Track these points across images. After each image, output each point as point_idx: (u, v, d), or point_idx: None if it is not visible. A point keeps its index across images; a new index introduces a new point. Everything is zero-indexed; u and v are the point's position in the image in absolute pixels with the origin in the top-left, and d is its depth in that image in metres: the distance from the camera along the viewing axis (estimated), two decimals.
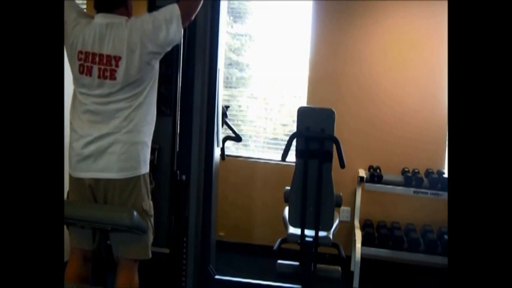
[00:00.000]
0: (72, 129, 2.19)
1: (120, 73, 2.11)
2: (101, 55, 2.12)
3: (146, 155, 2.23)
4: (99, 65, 2.12)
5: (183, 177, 2.84)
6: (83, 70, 2.14)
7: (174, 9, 2.16)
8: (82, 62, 2.14)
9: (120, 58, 2.11)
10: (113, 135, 2.13)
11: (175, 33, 2.16)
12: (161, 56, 2.22)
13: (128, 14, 2.25)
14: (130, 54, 2.11)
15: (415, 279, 3.74)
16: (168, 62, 2.26)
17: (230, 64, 4.37)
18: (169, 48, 2.23)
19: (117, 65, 2.11)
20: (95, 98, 2.14)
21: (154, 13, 2.18)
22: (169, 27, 2.14)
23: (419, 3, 3.80)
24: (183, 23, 2.17)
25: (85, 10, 4.22)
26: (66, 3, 2.03)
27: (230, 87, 4.39)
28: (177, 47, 2.84)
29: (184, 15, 2.17)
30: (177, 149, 2.86)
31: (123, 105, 2.14)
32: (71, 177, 2.21)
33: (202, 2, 2.26)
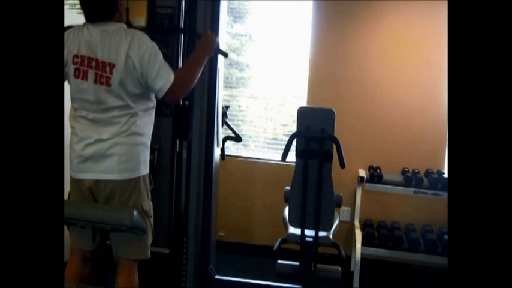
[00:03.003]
0: (72, 132, 2.19)
1: (114, 81, 2.10)
2: (96, 60, 2.11)
3: (146, 156, 2.24)
4: (95, 70, 2.11)
5: (186, 102, 2.83)
6: (78, 74, 2.13)
7: (169, 77, 2.15)
8: (78, 65, 2.13)
9: (114, 65, 2.10)
10: (112, 139, 2.13)
11: (156, 90, 2.15)
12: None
13: (121, 15, 2.23)
14: (124, 65, 2.10)
15: (415, 279, 3.75)
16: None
17: (230, 64, 4.37)
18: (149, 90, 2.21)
19: (111, 72, 2.10)
20: (93, 105, 2.13)
21: (158, 56, 2.15)
22: (156, 83, 2.13)
23: (419, 3, 3.80)
24: (167, 96, 2.16)
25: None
26: None
27: (230, 87, 4.39)
28: (177, 47, 2.85)
29: (174, 91, 2.16)
30: (177, 149, 2.86)
31: (121, 113, 2.14)
32: (71, 178, 2.21)
33: (195, 82, 2.27)
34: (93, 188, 2.16)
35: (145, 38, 2.16)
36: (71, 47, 2.14)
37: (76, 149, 2.16)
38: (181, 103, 2.81)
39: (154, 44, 2.18)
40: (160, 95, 2.17)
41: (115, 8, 2.17)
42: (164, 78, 2.13)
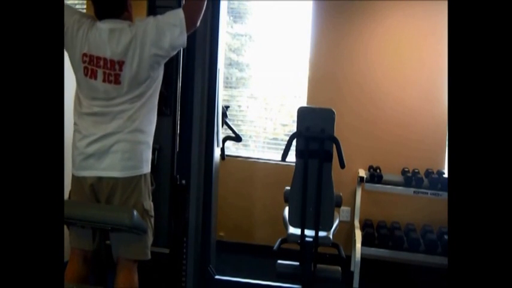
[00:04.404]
0: (76, 129, 2.20)
1: (124, 77, 2.12)
2: (105, 59, 2.12)
3: (148, 155, 2.25)
4: (103, 69, 2.13)
5: (183, 181, 2.84)
6: (87, 73, 2.15)
7: (178, 14, 2.16)
8: (86, 64, 2.15)
9: (123, 62, 2.11)
10: (116, 135, 2.14)
11: (179, 37, 2.16)
12: (166, 59, 2.22)
13: (130, 15, 2.25)
14: (134, 58, 2.11)
15: (415, 279, 3.75)
16: (168, 62, 2.28)
17: (230, 64, 4.37)
18: (174, 52, 2.24)
19: (120, 69, 2.12)
20: (100, 101, 2.15)
21: (159, 17, 2.17)
22: (173, 31, 2.14)
23: (419, 3, 3.80)
24: (187, 28, 2.17)
25: (85, 11, 4.23)
26: (65, 9, 2.04)
27: (230, 87, 4.39)
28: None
29: (189, 20, 2.17)
30: (177, 149, 2.86)
31: (127, 107, 2.15)
32: (73, 176, 2.22)
33: (205, 6, 2.25)
34: (96, 186, 2.17)
35: (142, 22, 2.18)
36: (81, 43, 2.15)
37: (79, 146, 2.17)
38: (178, 182, 2.83)
39: (149, 17, 2.20)
40: (185, 38, 2.17)
41: (125, 6, 2.21)
42: (176, 26, 2.13)
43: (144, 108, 2.19)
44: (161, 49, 2.15)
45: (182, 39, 2.17)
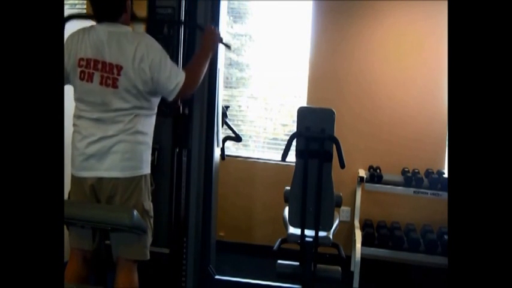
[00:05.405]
0: (76, 130, 2.20)
1: (121, 82, 2.11)
2: (103, 62, 2.12)
3: (148, 155, 2.25)
4: (101, 72, 2.12)
5: (186, 111, 2.84)
6: (83, 76, 2.14)
7: (181, 74, 2.19)
8: (83, 68, 2.14)
9: (121, 68, 2.11)
10: (117, 137, 2.14)
11: (169, 91, 2.18)
12: (146, 90, 2.18)
13: (128, 17, 2.25)
14: (132, 68, 2.11)
15: (415, 279, 3.75)
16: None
17: (230, 64, 4.37)
18: (152, 94, 2.20)
19: (118, 74, 2.11)
20: (98, 107, 2.14)
21: (167, 57, 2.18)
22: (168, 84, 2.16)
23: (419, 3, 3.80)
24: (180, 93, 2.19)
25: (85, 11, 4.23)
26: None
27: (230, 87, 4.39)
28: (177, 48, 2.85)
29: (186, 87, 2.20)
30: (177, 150, 2.86)
31: (126, 113, 2.15)
32: (73, 177, 2.22)
33: (201, 79, 2.33)
34: (96, 186, 2.17)
35: (152, 41, 2.19)
36: (78, 49, 2.15)
37: (79, 147, 2.16)
38: (181, 111, 2.82)
39: (160, 46, 2.20)
40: (173, 96, 2.20)
41: (123, 8, 2.20)
42: (177, 78, 2.17)
43: (145, 114, 2.20)
44: (154, 80, 2.14)
45: (169, 95, 2.19)
